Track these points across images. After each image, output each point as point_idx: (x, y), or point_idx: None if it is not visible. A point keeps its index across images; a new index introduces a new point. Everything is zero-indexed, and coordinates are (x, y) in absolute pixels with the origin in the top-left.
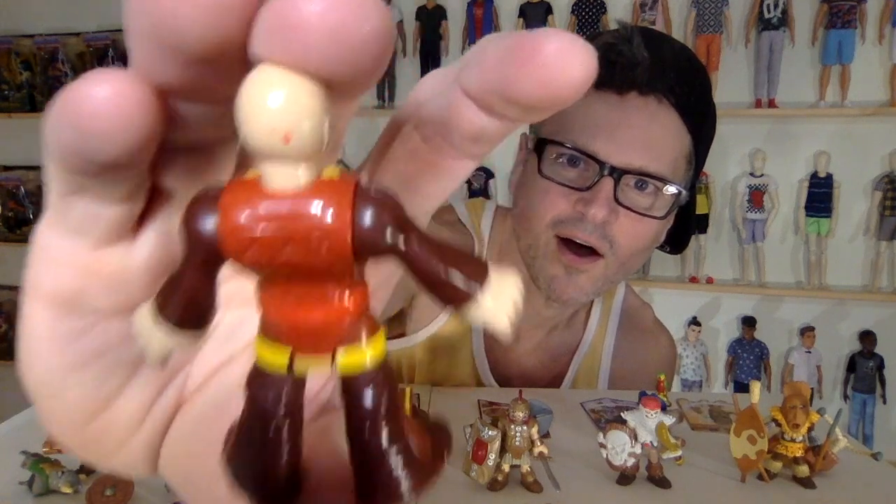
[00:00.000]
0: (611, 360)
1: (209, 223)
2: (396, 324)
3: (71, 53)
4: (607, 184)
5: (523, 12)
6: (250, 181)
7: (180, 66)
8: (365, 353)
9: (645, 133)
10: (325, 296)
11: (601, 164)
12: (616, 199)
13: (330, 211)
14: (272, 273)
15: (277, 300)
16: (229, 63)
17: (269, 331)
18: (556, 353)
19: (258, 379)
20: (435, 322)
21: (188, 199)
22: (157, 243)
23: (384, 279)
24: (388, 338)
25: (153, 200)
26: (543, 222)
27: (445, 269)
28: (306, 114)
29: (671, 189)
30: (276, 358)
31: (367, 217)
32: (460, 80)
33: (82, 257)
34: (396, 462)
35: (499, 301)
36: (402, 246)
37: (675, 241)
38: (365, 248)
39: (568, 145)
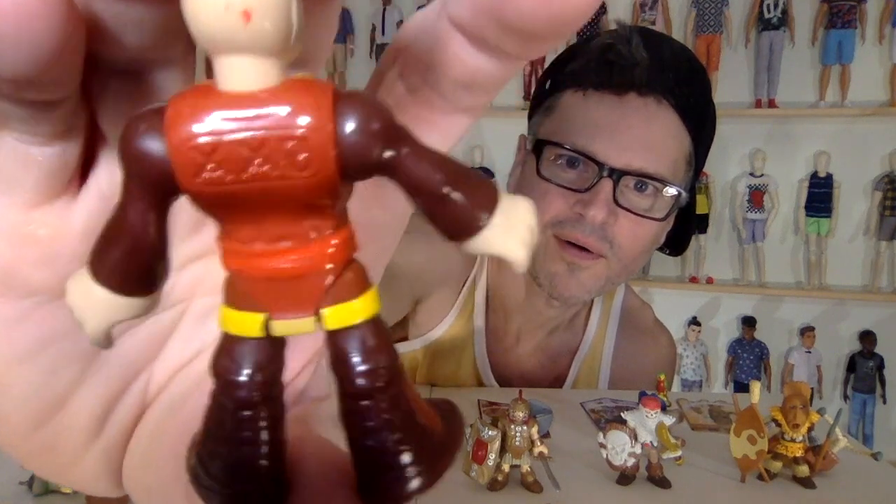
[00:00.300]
0: (611, 360)
1: (155, 141)
2: (398, 328)
3: None
4: (606, 185)
5: None
6: (201, 87)
7: None
8: (357, 308)
9: (644, 134)
10: (304, 235)
11: (600, 165)
12: (615, 201)
13: (308, 114)
14: (236, 208)
15: (244, 247)
16: None
17: (237, 294)
18: (557, 355)
19: (226, 352)
20: (438, 327)
21: None
22: (98, 203)
23: (382, 248)
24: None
25: (93, 153)
26: (541, 223)
27: (450, 189)
28: None
29: (671, 190)
30: (248, 324)
31: (353, 122)
32: (448, 7)
33: (13, 219)
34: (404, 442)
35: (512, 227)
36: (396, 157)
37: (675, 243)
38: (352, 161)
39: (567, 146)
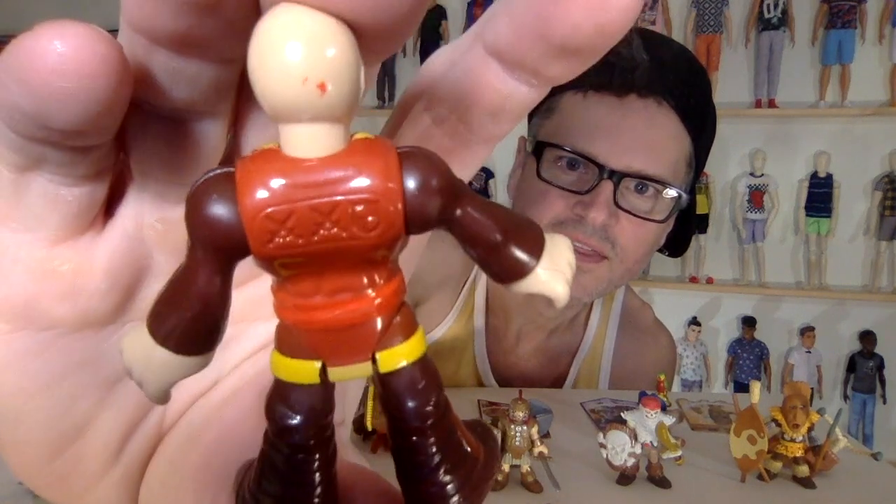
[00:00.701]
0: (611, 360)
1: (227, 208)
2: None
3: None
4: (607, 187)
5: None
6: (268, 152)
7: (174, 9)
8: (407, 351)
9: (644, 135)
10: (361, 287)
11: (600, 167)
12: (616, 203)
13: (375, 177)
14: (301, 266)
15: (304, 300)
16: (230, 10)
17: (292, 342)
18: (557, 355)
19: (281, 398)
20: (438, 328)
21: (163, 191)
22: (122, 242)
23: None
24: None
25: (118, 193)
26: (542, 224)
27: (505, 240)
28: (343, 57)
29: (671, 192)
30: (305, 372)
31: (419, 181)
32: (484, 35)
33: (37, 254)
34: (452, 473)
35: (556, 268)
36: (458, 214)
37: (675, 245)
38: (418, 217)
39: (567, 148)
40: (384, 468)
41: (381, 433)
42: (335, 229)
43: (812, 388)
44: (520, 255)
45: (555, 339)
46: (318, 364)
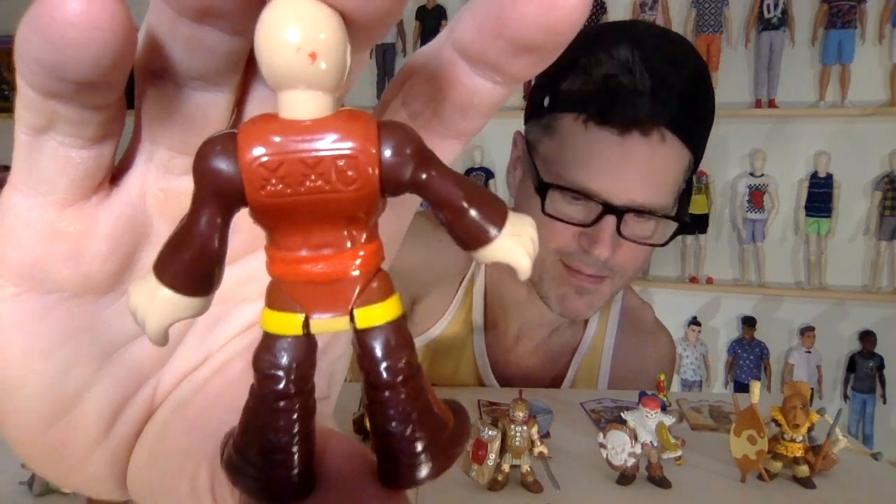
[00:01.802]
0: (611, 359)
1: (228, 159)
2: None
3: None
4: (610, 221)
5: None
6: (267, 116)
7: None
8: (383, 311)
9: (647, 170)
10: (342, 244)
11: (603, 203)
12: (619, 232)
13: (356, 139)
14: (289, 219)
15: (291, 254)
16: None
17: (279, 297)
18: (557, 353)
19: (267, 349)
20: (437, 325)
21: (169, 161)
22: (123, 209)
23: (390, 240)
24: None
25: (126, 162)
26: (547, 250)
27: (468, 206)
28: (332, 35)
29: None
30: (289, 323)
31: (394, 146)
32: (453, 34)
33: (45, 217)
34: (421, 430)
35: (519, 240)
36: (426, 177)
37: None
38: (392, 179)
39: (570, 187)
40: None
41: None
42: (319, 182)
43: (812, 388)
44: (483, 222)
45: (555, 337)
46: (301, 316)
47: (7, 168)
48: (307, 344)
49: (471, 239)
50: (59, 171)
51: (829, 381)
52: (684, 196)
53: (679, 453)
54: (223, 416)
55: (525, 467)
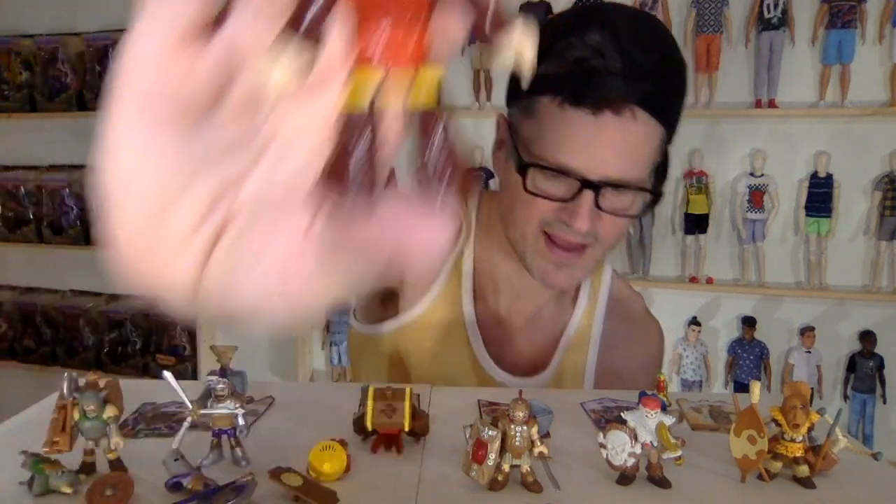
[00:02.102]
0: (598, 346)
1: None
2: (391, 305)
3: (71, 53)
4: (588, 195)
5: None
6: None
7: None
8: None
9: (620, 146)
10: (411, 22)
11: (581, 179)
12: (598, 206)
13: None
14: None
15: (375, 23)
16: None
17: (365, 55)
18: (546, 330)
19: (344, 117)
20: (427, 296)
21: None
22: (222, 55)
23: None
24: (383, 319)
25: (225, 10)
26: (530, 224)
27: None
28: None
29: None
30: (367, 81)
31: None
32: None
33: (166, 53)
34: (448, 154)
35: (526, 37)
36: None
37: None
38: None
39: (549, 165)
40: (384, 468)
41: (382, 433)
42: None
43: (812, 388)
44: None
45: (544, 313)
46: (378, 75)
47: (7, 168)
48: (374, 118)
49: (494, 25)
50: (179, 15)
51: (829, 381)
52: (660, 169)
53: (679, 453)
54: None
55: (525, 467)
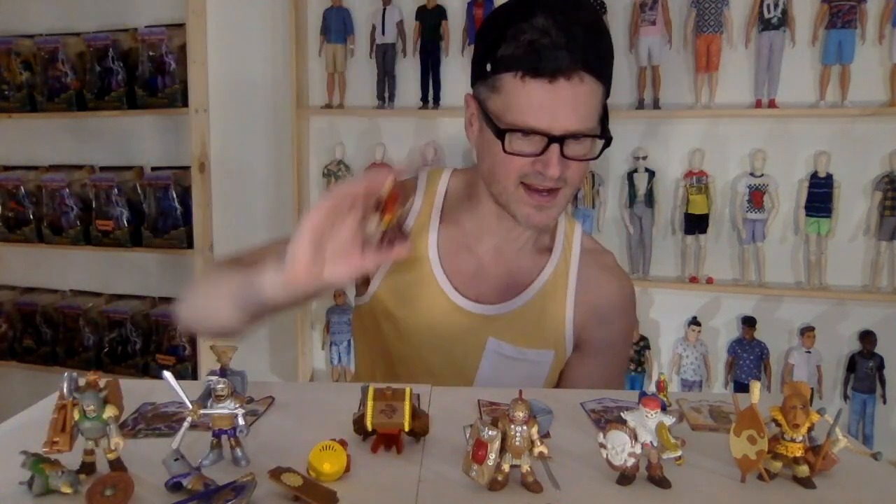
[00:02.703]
0: (576, 284)
1: None
2: (362, 282)
3: (71, 53)
4: (555, 148)
5: None
6: None
7: None
8: None
9: (574, 105)
10: (397, 196)
11: (547, 135)
12: (564, 155)
13: None
14: None
15: (392, 198)
16: None
17: (389, 209)
18: (517, 273)
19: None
20: (384, 266)
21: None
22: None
23: None
24: (358, 294)
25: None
26: (510, 178)
27: None
28: None
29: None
30: (391, 219)
31: None
32: None
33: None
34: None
35: None
36: None
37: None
38: None
39: (522, 128)
40: (384, 468)
41: (382, 433)
42: None
43: (812, 388)
44: None
45: (520, 256)
46: None
47: (7, 168)
48: None
49: None
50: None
51: (829, 381)
52: (604, 118)
53: (679, 453)
54: None
55: (525, 467)
